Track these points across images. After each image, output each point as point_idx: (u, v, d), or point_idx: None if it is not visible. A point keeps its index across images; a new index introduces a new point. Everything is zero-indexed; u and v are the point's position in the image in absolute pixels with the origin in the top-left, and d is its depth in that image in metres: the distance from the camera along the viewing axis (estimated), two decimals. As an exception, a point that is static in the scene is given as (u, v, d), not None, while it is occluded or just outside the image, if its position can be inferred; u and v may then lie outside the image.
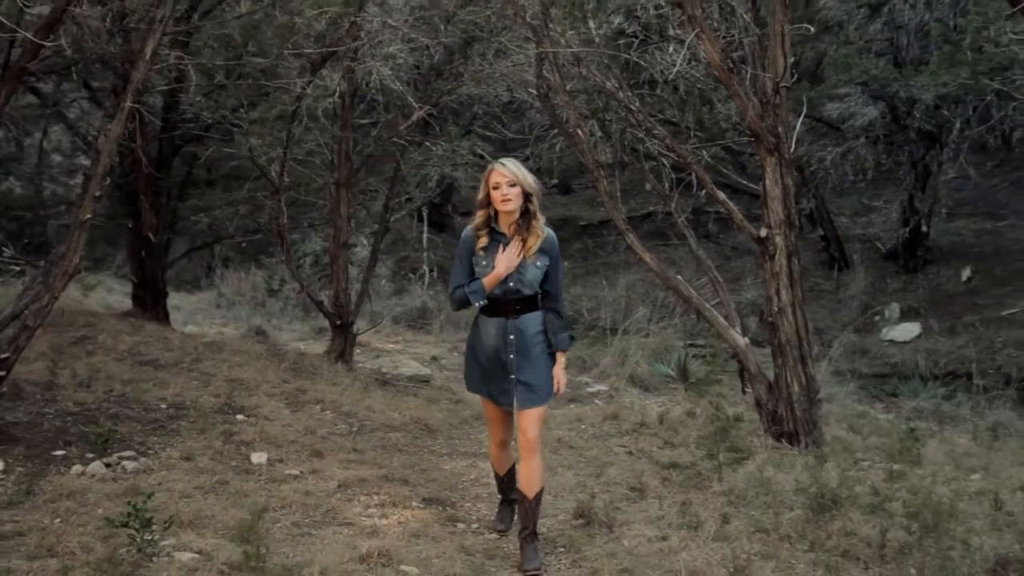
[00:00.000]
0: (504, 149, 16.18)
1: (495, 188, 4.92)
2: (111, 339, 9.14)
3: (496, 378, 5.09)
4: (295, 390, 8.31)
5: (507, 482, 5.46)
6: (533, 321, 5.05)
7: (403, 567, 4.77)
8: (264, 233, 11.97)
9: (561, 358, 5.18)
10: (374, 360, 11.21)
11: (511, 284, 4.97)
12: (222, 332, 12.32)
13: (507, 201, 4.90)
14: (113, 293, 14.12)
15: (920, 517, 5.13)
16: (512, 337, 5.02)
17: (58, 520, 5.09)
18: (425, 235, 18.98)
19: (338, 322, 10.13)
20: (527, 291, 5.00)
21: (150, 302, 11.09)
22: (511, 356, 5.02)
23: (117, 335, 9.34)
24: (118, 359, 8.59)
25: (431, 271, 18.25)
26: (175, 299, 13.80)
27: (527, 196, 4.95)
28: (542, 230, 5.03)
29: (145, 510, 4.53)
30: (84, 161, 12.74)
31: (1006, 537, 5.30)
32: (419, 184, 13.64)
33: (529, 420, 5.03)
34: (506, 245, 4.95)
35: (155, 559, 4.54)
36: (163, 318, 11.15)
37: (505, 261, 4.92)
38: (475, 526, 5.63)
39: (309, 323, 14.56)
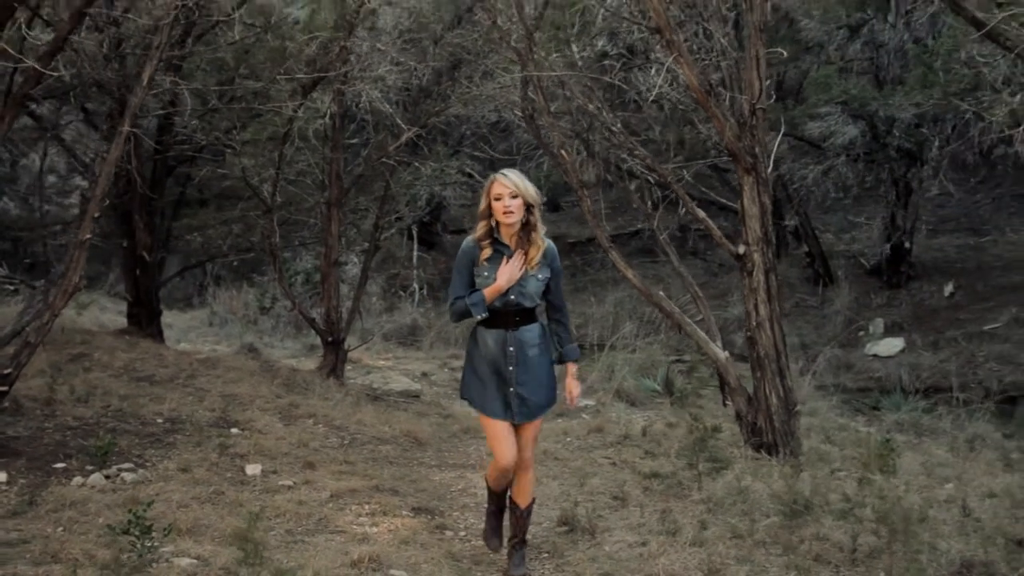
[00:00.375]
0: (492, 168, 16.39)
1: (497, 199, 4.89)
2: (107, 356, 9.34)
3: (494, 391, 5.03)
4: (288, 405, 8.52)
5: (500, 497, 5.34)
6: (533, 333, 5.06)
7: (392, 571, 4.99)
8: (257, 251, 12.19)
9: (573, 368, 5.22)
10: (365, 376, 11.42)
11: (511, 296, 4.96)
12: (215, 349, 12.50)
13: (509, 213, 4.87)
14: (106, 312, 14.33)
15: (890, 522, 5.36)
16: (512, 349, 5.00)
17: (60, 529, 5.29)
18: (415, 253, 19.19)
19: (329, 339, 10.34)
20: (527, 303, 5.00)
21: (145, 320, 11.28)
22: (511, 368, 5.00)
23: (113, 352, 9.54)
24: (114, 375, 8.79)
25: (421, 289, 18.45)
26: (168, 317, 13.97)
27: (528, 208, 4.94)
28: (543, 241, 5.03)
29: (145, 518, 4.74)
30: (80, 182, 12.96)
31: (972, 541, 5.53)
32: (408, 203, 13.87)
33: (527, 433, 5.08)
34: (509, 257, 4.93)
35: (155, 564, 4.74)
36: (157, 336, 11.34)
37: (507, 273, 4.91)
38: (463, 534, 5.84)
39: (301, 340, 14.75)
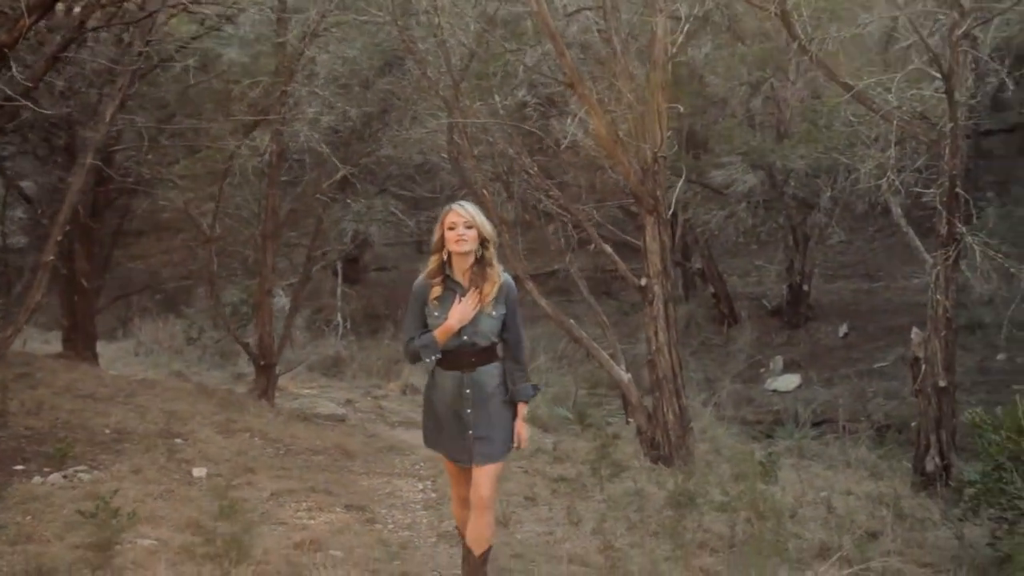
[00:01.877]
0: (417, 208, 17.22)
1: (451, 228, 4.71)
2: (50, 376, 9.84)
3: (453, 434, 4.84)
4: (225, 420, 9.11)
5: (480, 566, 5.01)
6: (491, 374, 4.83)
7: (331, 552, 5.68)
8: (194, 280, 12.77)
9: (523, 409, 4.95)
10: (292, 401, 12.03)
11: (465, 337, 4.75)
12: (146, 376, 13.01)
13: (462, 241, 4.68)
14: (32, 341, 14.72)
15: (763, 515, 6.24)
16: (469, 392, 4.79)
17: (29, 517, 5.87)
18: (339, 288, 19.83)
19: (262, 362, 10.97)
20: (482, 342, 4.78)
21: (81, 345, 11.78)
22: (468, 411, 4.79)
23: (55, 372, 10.04)
24: (58, 393, 9.29)
25: (345, 322, 19.08)
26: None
27: (483, 241, 4.74)
28: (499, 277, 4.81)
29: (110, 504, 5.37)
30: (20, 214, 13.43)
31: (832, 532, 6.43)
32: (335, 238, 14.57)
33: (484, 476, 4.80)
34: (462, 295, 4.73)
35: (120, 545, 5.37)
36: (93, 360, 11.84)
37: (458, 313, 4.70)
38: (391, 526, 6.55)
39: (227, 369, 15.26)
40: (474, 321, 4.75)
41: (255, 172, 10.69)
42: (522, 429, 4.95)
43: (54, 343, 13.01)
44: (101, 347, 16.14)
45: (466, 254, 4.75)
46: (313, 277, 13.58)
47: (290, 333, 11.69)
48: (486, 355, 4.83)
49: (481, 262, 4.79)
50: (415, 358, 4.83)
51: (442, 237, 4.77)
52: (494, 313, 4.79)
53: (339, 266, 19.63)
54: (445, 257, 4.80)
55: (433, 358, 4.78)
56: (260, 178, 10.89)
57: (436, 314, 4.76)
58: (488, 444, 4.82)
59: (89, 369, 10.84)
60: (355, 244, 17.71)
